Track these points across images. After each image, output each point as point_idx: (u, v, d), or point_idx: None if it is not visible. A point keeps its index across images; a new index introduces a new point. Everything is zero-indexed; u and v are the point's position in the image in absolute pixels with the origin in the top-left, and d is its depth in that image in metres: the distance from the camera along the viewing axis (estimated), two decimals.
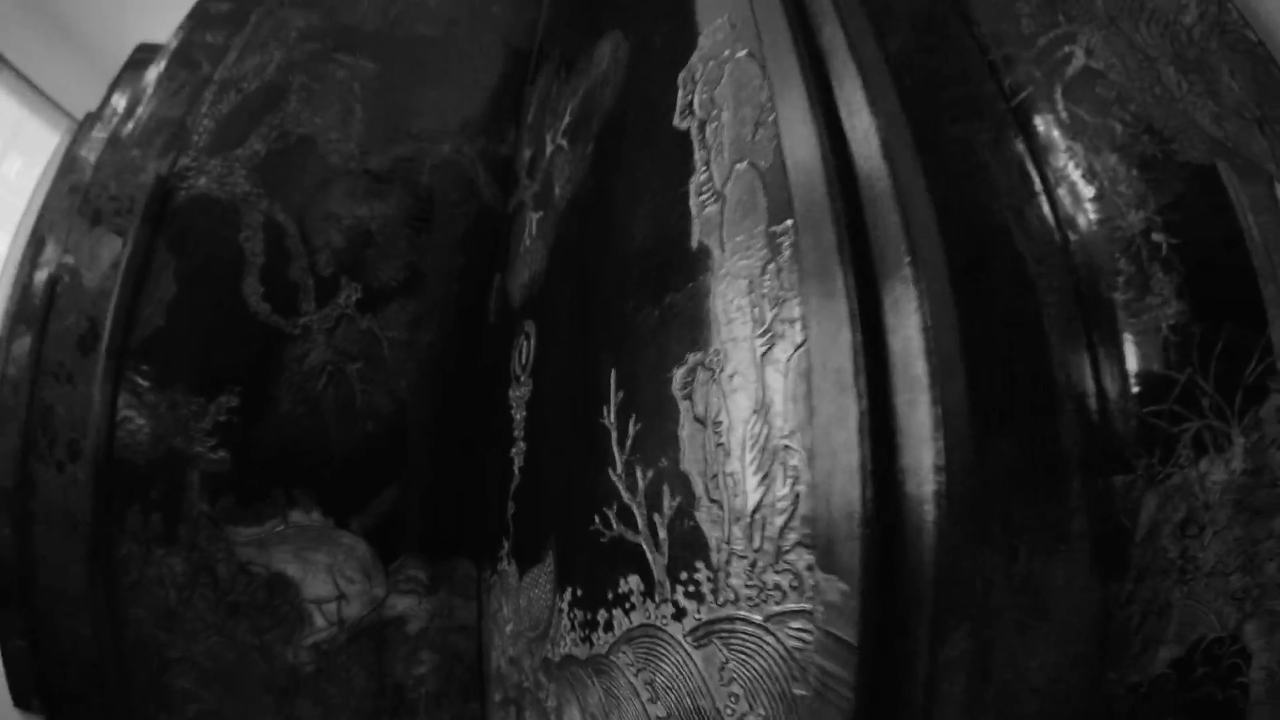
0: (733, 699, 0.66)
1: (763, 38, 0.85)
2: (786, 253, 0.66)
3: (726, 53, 0.92)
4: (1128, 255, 1.10)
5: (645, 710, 0.79)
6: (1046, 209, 1.18)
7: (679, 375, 0.80)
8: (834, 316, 0.57)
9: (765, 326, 0.67)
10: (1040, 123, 1.21)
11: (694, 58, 0.99)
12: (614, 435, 0.91)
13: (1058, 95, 1.21)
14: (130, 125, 2.30)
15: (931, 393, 0.54)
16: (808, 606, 0.56)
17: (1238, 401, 0.94)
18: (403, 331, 1.54)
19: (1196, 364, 0.99)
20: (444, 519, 1.52)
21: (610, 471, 0.91)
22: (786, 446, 0.61)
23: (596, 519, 0.93)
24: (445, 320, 1.58)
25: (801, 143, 0.69)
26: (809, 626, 0.56)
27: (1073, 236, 1.15)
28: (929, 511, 0.52)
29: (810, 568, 0.56)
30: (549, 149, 1.46)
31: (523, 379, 1.33)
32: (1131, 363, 1.05)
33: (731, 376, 0.70)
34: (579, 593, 0.98)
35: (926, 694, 0.53)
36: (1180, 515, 0.97)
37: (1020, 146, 1.22)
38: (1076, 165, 1.18)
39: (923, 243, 0.61)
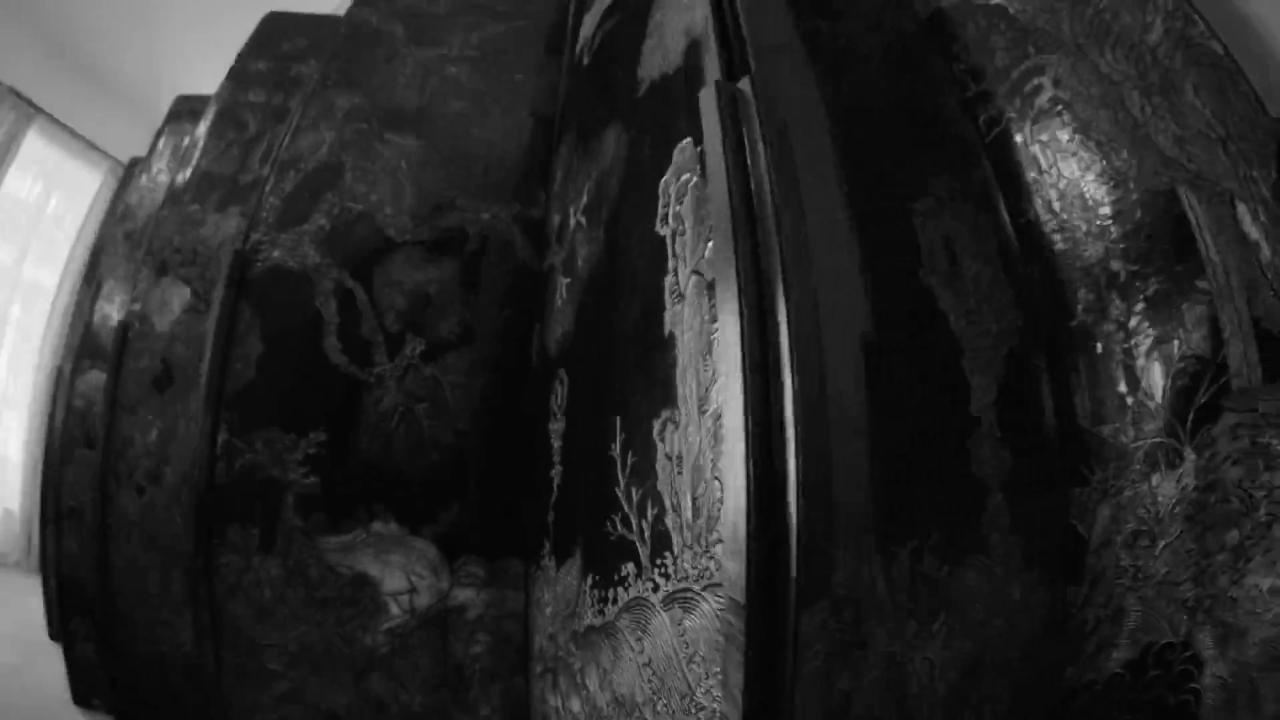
0: (685, 645, 0.92)
1: (706, 164, 0.99)
2: (716, 345, 0.93)
3: (688, 175, 1.08)
4: (1086, 284, 1.16)
5: (636, 660, 1.04)
6: (1012, 239, 1.25)
7: (656, 425, 1.05)
8: (735, 392, 0.84)
9: (703, 396, 0.95)
10: (1011, 156, 1.29)
11: (669, 171, 1.14)
12: (618, 464, 1.16)
13: (1028, 128, 1.27)
14: (184, 178, 2.51)
15: (796, 437, 0.81)
16: (722, 580, 0.84)
17: (1190, 420, 0.99)
18: (460, 376, 1.74)
19: (1150, 384, 1.05)
20: (498, 526, 1.71)
21: (616, 490, 1.15)
22: (714, 476, 0.89)
23: (608, 523, 1.16)
24: (495, 366, 1.77)
25: (725, 259, 0.91)
26: (723, 594, 0.83)
27: (1036, 270, 1.23)
28: (795, 519, 0.79)
29: (723, 554, 0.84)
30: (571, 222, 1.63)
31: (559, 416, 1.53)
32: (1086, 384, 1.13)
33: (686, 428, 0.98)
34: (597, 577, 1.20)
35: (795, 647, 0.77)
36: (1131, 526, 1.03)
37: (990, 181, 1.30)
38: (1042, 197, 1.23)
39: (802, 327, 0.85)
